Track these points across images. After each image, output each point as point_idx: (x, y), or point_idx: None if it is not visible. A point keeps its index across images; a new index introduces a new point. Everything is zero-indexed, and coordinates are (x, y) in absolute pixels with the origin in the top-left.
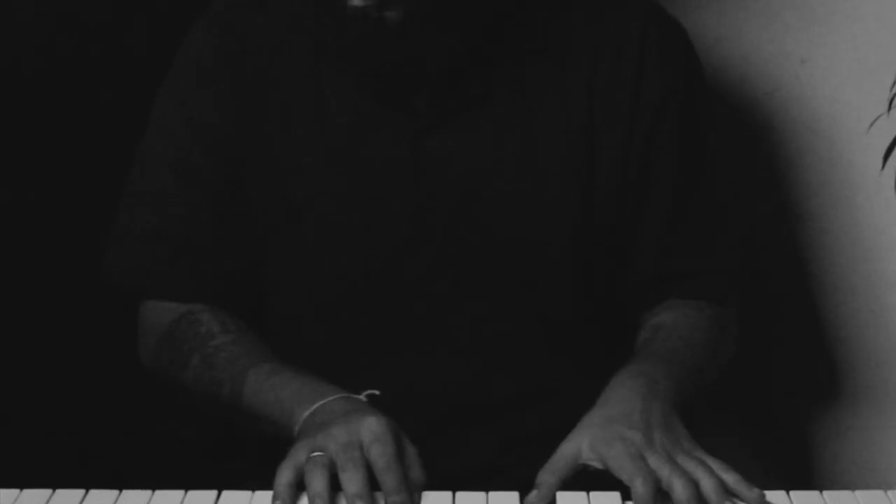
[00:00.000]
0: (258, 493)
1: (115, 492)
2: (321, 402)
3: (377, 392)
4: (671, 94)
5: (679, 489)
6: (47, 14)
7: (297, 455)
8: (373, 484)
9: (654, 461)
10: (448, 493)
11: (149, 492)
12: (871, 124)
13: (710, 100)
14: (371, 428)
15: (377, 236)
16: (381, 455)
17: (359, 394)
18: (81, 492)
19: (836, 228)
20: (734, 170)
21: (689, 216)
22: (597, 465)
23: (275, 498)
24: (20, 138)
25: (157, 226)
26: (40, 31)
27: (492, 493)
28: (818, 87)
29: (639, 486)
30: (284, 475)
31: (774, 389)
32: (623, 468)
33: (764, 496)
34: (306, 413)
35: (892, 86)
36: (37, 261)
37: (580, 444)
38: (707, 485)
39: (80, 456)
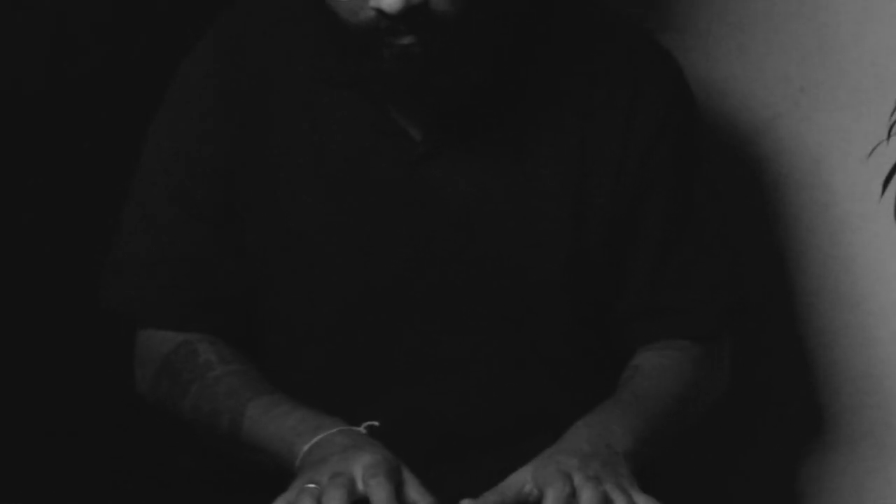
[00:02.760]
0: None
1: None
2: (321, 436)
3: (377, 423)
4: (663, 126)
5: (587, 495)
6: (48, 32)
7: (293, 489)
8: None
9: (580, 479)
10: None
11: None
12: (871, 151)
13: (701, 131)
14: (365, 461)
15: (374, 265)
16: (377, 485)
17: (359, 425)
18: None
19: (836, 255)
20: (731, 198)
21: (678, 251)
22: (536, 493)
23: None
24: (20, 156)
25: (154, 255)
26: (40, 48)
27: None
28: (818, 114)
29: (549, 492)
30: None
31: (760, 424)
32: (546, 482)
33: None
34: (306, 447)
35: (892, 113)
36: (36, 282)
37: (524, 478)
38: None
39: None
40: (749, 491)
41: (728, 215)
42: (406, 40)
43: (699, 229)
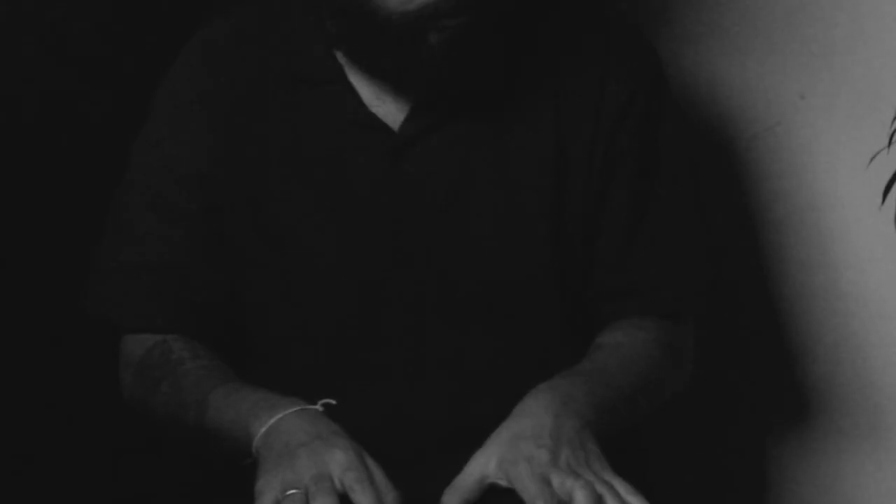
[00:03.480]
0: None
1: None
2: (278, 417)
3: (333, 402)
4: (629, 106)
5: (580, 498)
6: (46, 50)
7: (270, 492)
8: None
9: (558, 479)
10: None
11: None
12: (872, 159)
13: (675, 117)
14: (339, 460)
15: (358, 261)
16: (355, 481)
17: (346, 422)
18: None
19: (836, 262)
20: (730, 205)
21: (645, 231)
22: (504, 483)
23: None
24: (19, 174)
25: (134, 260)
26: (39, 67)
27: None
28: (818, 122)
29: None
30: None
31: (737, 410)
32: (527, 489)
33: None
34: (263, 429)
35: (893, 121)
36: (29, 289)
37: (487, 463)
38: None
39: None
40: (740, 493)
41: (703, 202)
42: (462, 18)
43: (667, 212)
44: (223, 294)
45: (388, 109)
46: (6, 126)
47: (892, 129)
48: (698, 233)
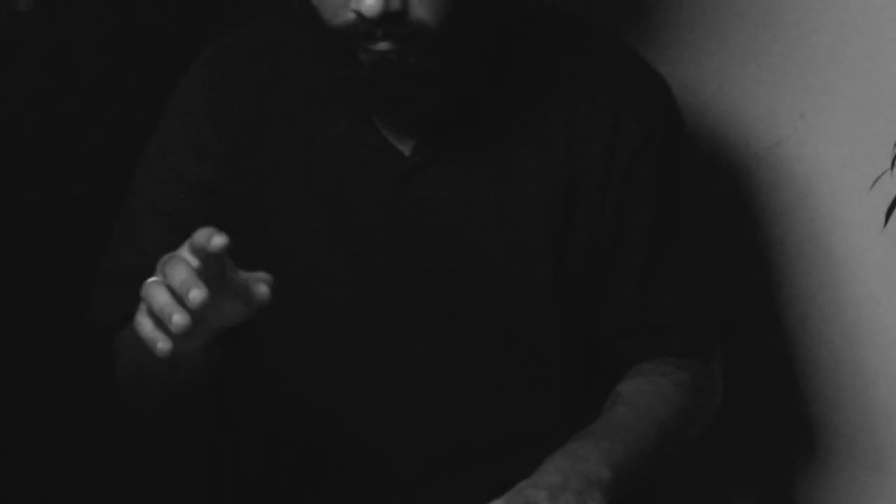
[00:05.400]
0: None
1: None
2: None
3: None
4: (647, 144)
5: None
6: (46, 70)
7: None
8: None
9: None
10: None
11: None
12: (875, 182)
13: (691, 151)
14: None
15: (364, 281)
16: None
17: (350, 440)
18: None
19: (838, 285)
20: (732, 226)
21: (664, 268)
22: None
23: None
24: (21, 191)
25: (137, 266)
26: (40, 85)
27: None
28: (819, 142)
29: None
30: (144, 322)
31: (737, 429)
32: None
33: None
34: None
35: None
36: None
37: None
38: None
39: None
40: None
41: (718, 235)
42: (383, 46)
43: (686, 247)
44: None
45: (400, 132)
46: (8, 143)
47: (895, 151)
48: (716, 268)
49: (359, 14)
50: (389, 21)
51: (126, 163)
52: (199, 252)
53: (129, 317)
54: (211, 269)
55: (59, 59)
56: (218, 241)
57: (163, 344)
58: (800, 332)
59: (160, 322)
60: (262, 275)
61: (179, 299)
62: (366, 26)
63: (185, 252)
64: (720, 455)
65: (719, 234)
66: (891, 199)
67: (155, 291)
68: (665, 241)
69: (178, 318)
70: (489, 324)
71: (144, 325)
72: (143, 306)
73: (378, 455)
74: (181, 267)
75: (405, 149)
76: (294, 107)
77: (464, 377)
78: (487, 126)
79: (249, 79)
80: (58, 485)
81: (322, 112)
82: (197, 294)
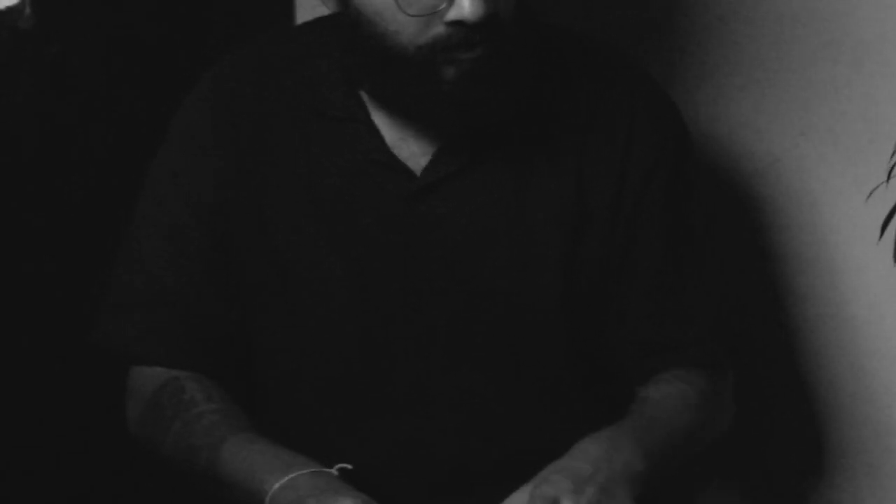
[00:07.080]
0: None
1: None
2: (292, 476)
3: (349, 466)
4: (658, 165)
5: None
6: (45, 86)
7: None
8: None
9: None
10: None
11: None
12: (871, 194)
13: (698, 170)
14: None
15: (371, 299)
16: None
17: (356, 459)
18: None
19: (836, 298)
20: (733, 240)
21: (677, 285)
22: None
23: None
24: (19, 205)
25: (146, 293)
26: (39, 102)
27: None
28: (818, 157)
29: None
30: None
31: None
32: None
33: None
34: (276, 485)
35: (892, 155)
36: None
37: (524, 497)
38: None
39: None
40: None
41: (723, 251)
42: (478, 52)
43: (696, 264)
44: (234, 329)
45: (411, 151)
46: (7, 160)
47: (891, 163)
48: (721, 279)
49: (454, 24)
50: (487, 25)
51: (124, 173)
52: None
53: (141, 343)
54: None
55: (59, 75)
56: None
57: None
58: (800, 340)
59: None
60: None
61: None
62: (464, 33)
63: None
64: (720, 457)
65: (722, 246)
66: (886, 211)
67: None
68: (677, 261)
69: None
70: (497, 342)
71: None
72: None
73: (383, 472)
74: None
75: (416, 167)
76: (300, 125)
77: (470, 395)
78: (499, 145)
79: (253, 99)
80: (58, 485)
81: (329, 130)
82: None
